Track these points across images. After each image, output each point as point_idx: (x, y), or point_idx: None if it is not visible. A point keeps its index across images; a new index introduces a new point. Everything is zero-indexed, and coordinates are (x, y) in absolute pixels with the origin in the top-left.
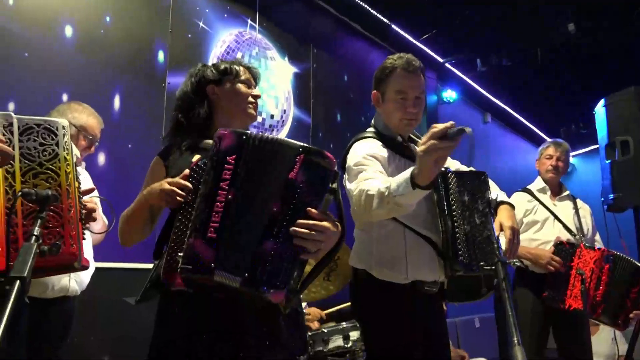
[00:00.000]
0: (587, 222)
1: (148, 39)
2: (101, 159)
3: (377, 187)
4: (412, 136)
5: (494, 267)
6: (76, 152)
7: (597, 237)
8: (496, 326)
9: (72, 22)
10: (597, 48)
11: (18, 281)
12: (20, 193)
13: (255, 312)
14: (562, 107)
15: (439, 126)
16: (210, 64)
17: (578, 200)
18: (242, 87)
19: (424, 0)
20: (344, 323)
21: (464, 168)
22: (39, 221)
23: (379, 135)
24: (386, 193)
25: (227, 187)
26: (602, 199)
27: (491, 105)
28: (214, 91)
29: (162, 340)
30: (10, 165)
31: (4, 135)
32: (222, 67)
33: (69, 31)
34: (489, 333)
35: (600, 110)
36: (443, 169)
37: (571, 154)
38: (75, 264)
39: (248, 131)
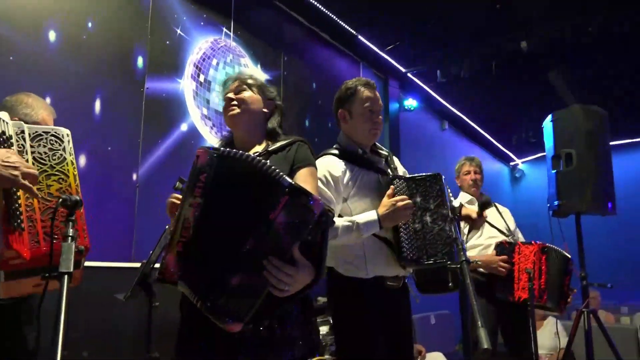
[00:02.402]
0: (511, 223)
1: (128, 44)
2: (82, 160)
3: (340, 223)
4: (375, 148)
5: (444, 260)
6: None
7: (519, 233)
8: (461, 316)
9: (56, 27)
10: (547, 64)
11: (66, 276)
12: (60, 199)
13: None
14: (513, 117)
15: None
16: (187, 70)
17: (498, 205)
18: (226, 96)
19: (388, 13)
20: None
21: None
22: (71, 223)
23: (342, 151)
24: (354, 228)
25: (197, 204)
26: (548, 205)
27: (449, 114)
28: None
29: (180, 333)
30: None
31: (17, 141)
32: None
33: (52, 36)
34: (444, 329)
35: (547, 124)
36: (391, 175)
37: (521, 160)
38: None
39: (227, 149)
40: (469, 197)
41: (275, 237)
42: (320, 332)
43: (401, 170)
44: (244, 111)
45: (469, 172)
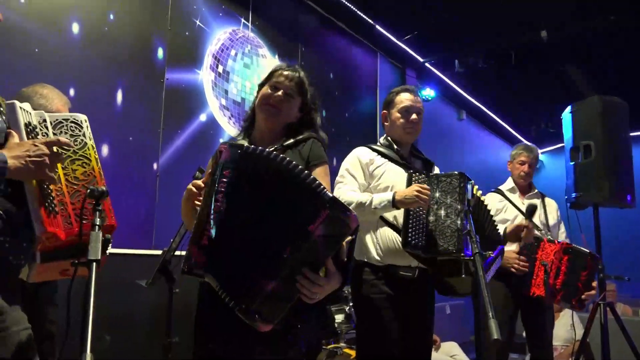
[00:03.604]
0: (553, 217)
1: (148, 36)
2: (104, 150)
3: (356, 198)
4: (415, 152)
5: (449, 250)
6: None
7: (562, 229)
8: (473, 306)
9: (79, 19)
10: (566, 54)
11: (94, 263)
12: (88, 191)
13: None
14: (533, 108)
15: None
16: (206, 61)
17: (546, 198)
18: (266, 89)
19: (406, 2)
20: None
21: None
22: (98, 212)
23: (377, 146)
24: (366, 204)
25: (221, 199)
26: (566, 197)
27: (467, 104)
28: (256, 95)
29: (198, 319)
30: None
31: (40, 130)
32: (269, 72)
33: (75, 28)
34: (459, 319)
35: (567, 115)
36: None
37: (540, 151)
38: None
39: (252, 146)
40: (512, 184)
41: (312, 248)
42: (336, 321)
43: None
44: (280, 114)
45: (523, 163)
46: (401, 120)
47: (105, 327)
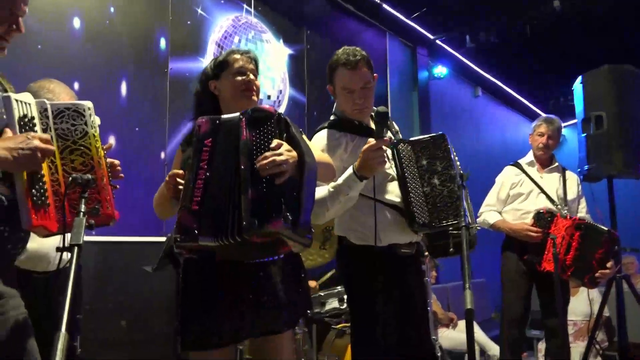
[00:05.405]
0: (573, 192)
1: (150, 27)
2: (111, 141)
3: (324, 192)
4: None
5: (456, 221)
6: (97, 121)
7: (583, 204)
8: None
9: (80, 14)
10: (583, 23)
11: (76, 247)
12: (71, 179)
13: (249, 270)
14: (550, 80)
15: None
16: (210, 49)
17: (568, 172)
18: (235, 77)
19: None
20: (339, 287)
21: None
22: (84, 200)
23: (338, 121)
24: (336, 190)
25: (205, 167)
26: (579, 169)
27: (481, 80)
28: (214, 86)
29: (184, 303)
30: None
31: (40, 119)
32: (218, 61)
33: (77, 23)
34: (479, 297)
35: (577, 87)
36: (394, 141)
37: (562, 125)
38: (111, 223)
39: (224, 116)
40: (531, 158)
41: (255, 148)
42: (330, 305)
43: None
44: (256, 96)
45: (542, 134)
46: (346, 103)
47: (120, 313)
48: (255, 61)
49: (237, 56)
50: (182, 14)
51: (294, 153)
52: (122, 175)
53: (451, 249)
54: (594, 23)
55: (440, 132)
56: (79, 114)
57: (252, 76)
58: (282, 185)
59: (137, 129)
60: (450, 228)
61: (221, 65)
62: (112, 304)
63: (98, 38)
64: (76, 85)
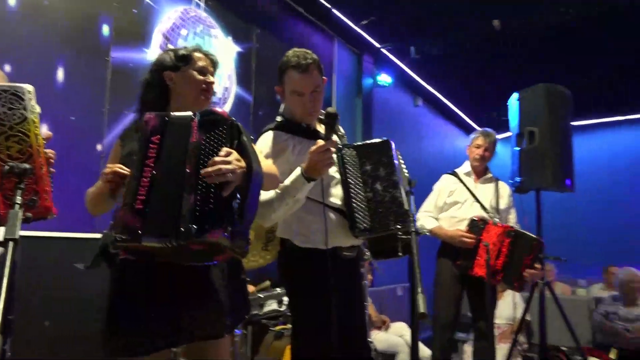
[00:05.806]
0: (505, 202)
1: (93, 12)
2: (44, 129)
3: (270, 194)
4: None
5: (398, 226)
6: (37, 109)
7: (512, 214)
8: (409, 283)
9: None
10: (518, 43)
11: (11, 242)
12: (7, 167)
13: (190, 273)
14: (485, 95)
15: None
16: (155, 39)
17: (500, 183)
18: (195, 74)
19: None
20: (278, 289)
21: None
22: (19, 191)
23: (285, 123)
24: (284, 192)
25: (152, 165)
26: (510, 181)
27: (423, 91)
28: (170, 77)
29: (116, 305)
30: None
31: None
32: (180, 53)
33: (12, 0)
34: (410, 300)
35: (513, 103)
36: (340, 145)
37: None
38: (49, 216)
39: (174, 113)
40: (468, 168)
41: (204, 152)
42: (284, 302)
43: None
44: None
45: (479, 147)
46: (295, 107)
47: (45, 313)
48: (215, 66)
49: (201, 55)
50: (128, 2)
51: (243, 163)
52: (53, 169)
53: (399, 253)
54: (532, 42)
55: (385, 138)
56: (17, 97)
57: (212, 78)
58: (227, 195)
59: (72, 117)
60: (399, 233)
61: (184, 59)
62: (36, 303)
63: (34, 18)
64: (7, 67)
